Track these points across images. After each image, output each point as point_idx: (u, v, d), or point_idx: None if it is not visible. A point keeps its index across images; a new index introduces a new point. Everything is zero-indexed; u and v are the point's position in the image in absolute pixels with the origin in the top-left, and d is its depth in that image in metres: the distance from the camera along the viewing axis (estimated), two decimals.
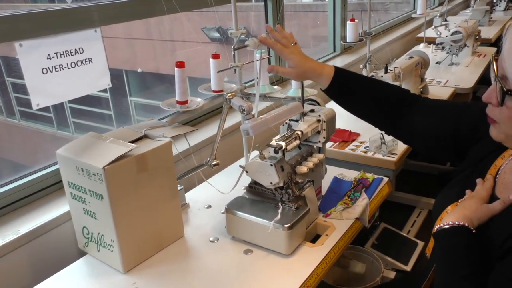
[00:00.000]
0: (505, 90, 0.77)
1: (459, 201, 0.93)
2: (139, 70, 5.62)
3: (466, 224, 0.85)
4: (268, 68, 1.14)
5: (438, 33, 3.09)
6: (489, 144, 0.89)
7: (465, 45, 2.88)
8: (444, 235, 0.88)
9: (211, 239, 1.25)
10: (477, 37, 3.12)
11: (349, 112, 1.19)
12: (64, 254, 1.28)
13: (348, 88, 1.14)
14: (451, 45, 2.85)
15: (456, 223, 0.86)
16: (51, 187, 1.36)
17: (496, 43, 3.53)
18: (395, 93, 1.16)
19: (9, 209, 1.28)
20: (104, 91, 4.41)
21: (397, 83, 1.95)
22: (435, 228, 0.90)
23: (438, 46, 3.10)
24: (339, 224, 1.27)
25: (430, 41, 3.27)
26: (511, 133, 0.82)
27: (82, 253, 1.23)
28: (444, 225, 0.88)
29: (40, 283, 1.12)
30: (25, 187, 1.31)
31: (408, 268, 1.86)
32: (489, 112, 0.84)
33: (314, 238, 1.25)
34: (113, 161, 1.03)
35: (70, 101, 3.97)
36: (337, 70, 1.13)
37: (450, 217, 0.88)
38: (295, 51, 1.10)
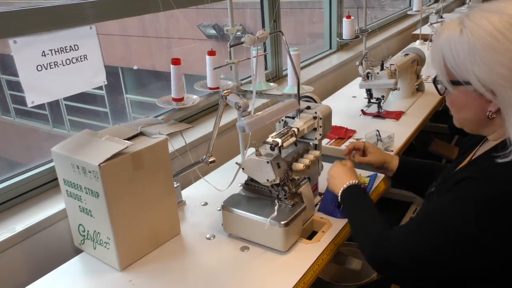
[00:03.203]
0: (433, 80, 0.97)
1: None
2: (135, 67, 5.59)
3: (353, 181, 1.18)
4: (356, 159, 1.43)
5: (434, 30, 3.09)
6: (472, 137, 1.05)
7: None
8: (343, 199, 1.18)
9: (207, 236, 1.25)
10: None
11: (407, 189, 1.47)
12: (60, 252, 1.28)
13: (411, 173, 1.36)
14: None
15: (345, 186, 1.18)
16: (46, 185, 1.36)
17: None
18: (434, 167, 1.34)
19: (5, 206, 1.27)
20: (100, 88, 4.38)
21: (393, 80, 1.96)
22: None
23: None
24: (336, 221, 1.27)
25: (426, 38, 3.28)
26: (457, 118, 0.98)
27: (78, 251, 1.23)
28: (337, 195, 1.20)
29: (36, 280, 1.12)
30: (21, 185, 1.30)
31: None
32: (447, 103, 1.00)
33: (311, 235, 1.26)
34: (108, 159, 1.03)
35: (66, 99, 3.95)
36: (401, 158, 1.39)
37: (336, 188, 1.21)
38: (373, 151, 1.41)
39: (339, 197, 1.20)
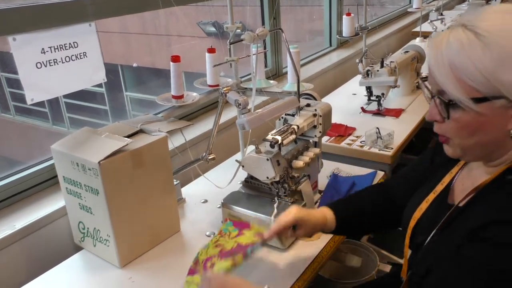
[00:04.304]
0: (447, 102, 0.78)
1: None
2: (134, 65, 5.59)
3: None
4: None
5: (434, 27, 3.09)
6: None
7: None
8: None
9: (207, 233, 1.25)
10: None
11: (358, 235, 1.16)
12: (60, 249, 1.28)
13: (352, 217, 1.09)
14: None
15: None
16: (46, 182, 1.36)
17: None
18: (377, 195, 1.13)
19: (5, 204, 1.27)
20: (100, 86, 4.39)
21: (393, 78, 1.96)
22: None
23: None
24: None
25: (426, 35, 3.27)
26: (466, 144, 0.81)
27: (78, 248, 1.23)
28: None
29: (36, 278, 1.12)
30: (21, 182, 1.30)
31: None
32: (438, 130, 0.84)
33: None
34: (108, 156, 1.03)
35: (65, 96, 3.95)
36: (332, 207, 1.08)
37: None
38: (302, 219, 1.01)
39: None
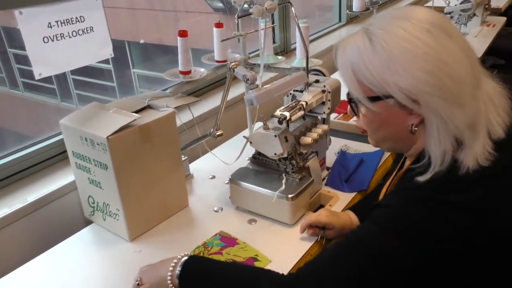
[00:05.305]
0: (350, 100, 0.88)
1: None
2: (141, 41, 5.54)
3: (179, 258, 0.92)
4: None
5: (447, 2, 3.01)
6: None
7: (474, 15, 2.80)
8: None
9: (215, 209, 1.26)
10: (486, 6, 3.05)
11: None
12: (70, 223, 1.30)
13: None
14: (460, 15, 2.78)
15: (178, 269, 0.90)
16: (56, 157, 1.37)
17: (506, 12, 3.44)
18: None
19: (16, 178, 1.29)
20: (107, 62, 4.37)
21: None
22: None
23: (447, 15, 3.03)
24: (343, 195, 1.28)
25: (439, 10, 3.19)
26: (376, 137, 0.90)
27: (88, 222, 1.25)
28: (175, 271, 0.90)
29: (47, 250, 1.14)
30: (31, 156, 1.32)
31: None
32: (357, 124, 0.93)
33: (318, 209, 1.26)
34: (117, 131, 1.03)
35: (73, 73, 3.94)
36: (354, 209, 1.19)
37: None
38: (332, 225, 1.12)
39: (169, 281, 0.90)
